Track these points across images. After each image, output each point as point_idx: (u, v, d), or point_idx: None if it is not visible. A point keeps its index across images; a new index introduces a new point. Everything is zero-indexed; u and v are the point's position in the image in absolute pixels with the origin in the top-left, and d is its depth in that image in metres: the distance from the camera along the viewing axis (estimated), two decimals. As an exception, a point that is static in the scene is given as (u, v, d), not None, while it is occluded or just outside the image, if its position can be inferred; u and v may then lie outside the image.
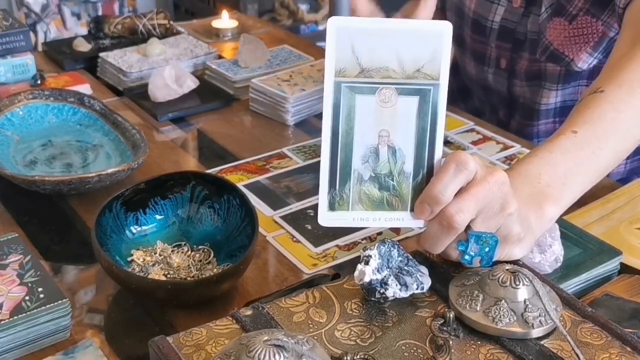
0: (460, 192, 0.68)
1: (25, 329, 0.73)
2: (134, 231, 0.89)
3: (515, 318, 0.65)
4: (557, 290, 0.71)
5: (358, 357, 0.63)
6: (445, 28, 0.68)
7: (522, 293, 0.66)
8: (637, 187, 1.00)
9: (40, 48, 1.83)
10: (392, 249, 0.70)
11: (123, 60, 1.42)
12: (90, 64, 1.47)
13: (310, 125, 1.26)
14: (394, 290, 0.68)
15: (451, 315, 0.66)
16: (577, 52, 1.16)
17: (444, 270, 0.73)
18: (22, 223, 0.97)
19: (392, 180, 0.70)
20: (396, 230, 0.95)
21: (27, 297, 0.75)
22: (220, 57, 1.49)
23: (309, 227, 0.96)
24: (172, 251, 0.88)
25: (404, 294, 0.68)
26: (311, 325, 0.67)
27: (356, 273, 0.68)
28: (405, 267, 0.70)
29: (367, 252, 0.69)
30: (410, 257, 0.72)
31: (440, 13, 1.38)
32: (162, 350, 0.63)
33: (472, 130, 1.23)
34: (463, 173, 0.68)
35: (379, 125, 0.69)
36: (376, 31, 0.67)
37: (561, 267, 0.81)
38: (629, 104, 0.85)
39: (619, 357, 0.63)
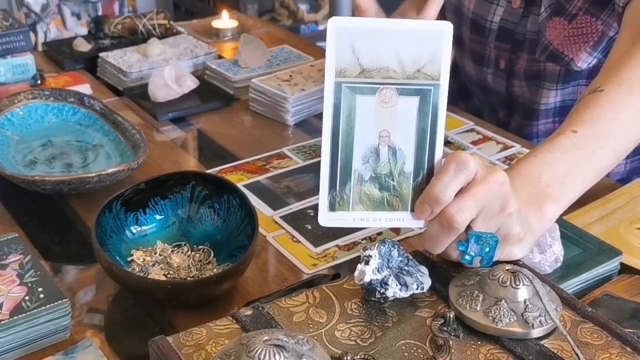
0: (460, 192, 0.68)
1: (25, 329, 0.73)
2: (134, 231, 0.89)
3: (515, 318, 0.65)
4: (557, 290, 0.71)
5: (358, 357, 0.63)
6: (446, 28, 0.68)
7: (522, 293, 0.66)
8: (637, 187, 1.00)
9: (40, 48, 1.83)
10: (392, 249, 0.70)
11: (123, 60, 1.42)
12: (90, 64, 1.47)
13: (310, 125, 1.26)
14: (394, 290, 0.68)
15: (451, 315, 0.66)
16: (576, 51, 1.16)
17: (444, 270, 0.73)
18: (22, 223, 0.97)
19: (393, 180, 0.70)
20: (396, 230, 0.95)
21: (27, 297, 0.75)
22: (220, 57, 1.49)
23: (309, 227, 0.96)
24: (172, 251, 0.88)
25: (404, 294, 0.68)
26: (311, 325, 0.67)
27: (356, 273, 0.68)
28: (405, 267, 0.70)
29: (367, 252, 0.69)
30: (410, 257, 0.72)
31: (440, 13, 1.39)
32: (162, 350, 0.63)
33: (472, 130, 1.23)
34: (463, 173, 0.68)
35: (379, 125, 0.69)
36: (376, 31, 0.67)
37: (561, 267, 0.81)
38: (628, 104, 0.85)
39: (619, 357, 0.63)
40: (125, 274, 0.80)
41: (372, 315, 0.68)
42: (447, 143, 1.18)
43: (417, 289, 0.69)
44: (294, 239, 0.94)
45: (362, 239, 0.94)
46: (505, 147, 1.17)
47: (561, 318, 0.67)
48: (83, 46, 1.51)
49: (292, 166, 1.11)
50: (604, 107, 0.84)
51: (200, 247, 0.89)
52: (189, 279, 0.84)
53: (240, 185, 1.00)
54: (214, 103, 1.32)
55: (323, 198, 0.70)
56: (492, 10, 1.25)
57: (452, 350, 0.63)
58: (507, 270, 0.67)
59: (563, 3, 1.14)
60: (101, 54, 1.44)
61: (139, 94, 1.34)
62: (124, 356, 0.76)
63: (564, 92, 1.23)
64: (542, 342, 0.65)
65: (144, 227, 0.90)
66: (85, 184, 0.98)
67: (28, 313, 0.74)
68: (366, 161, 0.69)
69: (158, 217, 0.91)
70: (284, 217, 0.98)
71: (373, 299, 0.69)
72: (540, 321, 0.65)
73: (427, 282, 0.70)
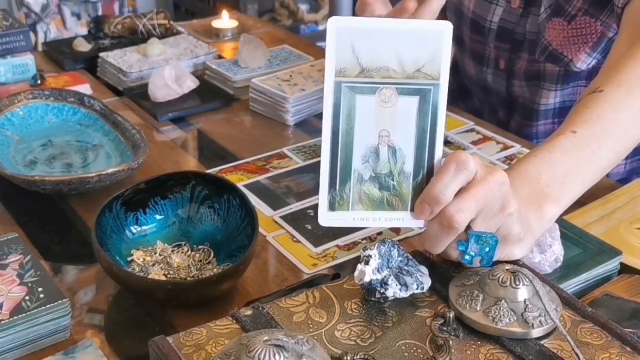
0: (460, 192, 0.68)
1: (25, 329, 0.73)
2: (134, 231, 0.89)
3: (515, 318, 0.65)
4: (557, 290, 0.71)
5: (358, 357, 0.63)
6: (446, 28, 0.68)
7: (522, 293, 0.66)
8: (637, 187, 1.00)
9: (40, 48, 1.83)
10: (392, 249, 0.70)
11: (123, 60, 1.42)
12: (90, 64, 1.47)
13: (310, 125, 1.26)
14: (394, 290, 0.68)
15: (451, 315, 0.66)
16: (575, 52, 1.16)
17: (444, 270, 0.73)
18: (22, 223, 0.97)
19: (392, 180, 0.70)
20: (396, 230, 0.95)
21: (27, 297, 0.75)
22: (220, 57, 1.49)
23: (309, 227, 0.96)
24: (172, 251, 0.88)
25: (404, 294, 0.68)
26: (311, 325, 0.67)
27: (356, 273, 0.68)
28: (405, 267, 0.70)
29: (367, 252, 0.69)
30: (410, 257, 0.72)
31: (440, 13, 1.38)
32: (162, 350, 0.63)
33: (472, 130, 1.23)
34: (463, 173, 0.68)
35: (379, 125, 0.69)
36: (376, 31, 0.68)
37: (561, 267, 0.81)
38: (627, 104, 0.85)
39: (619, 357, 0.63)
40: (125, 274, 0.80)
41: (372, 315, 0.68)
42: (447, 143, 1.18)
43: (417, 289, 0.69)
44: (294, 239, 0.94)
45: (362, 239, 0.94)
46: (505, 147, 1.17)
47: (561, 318, 0.67)
48: (83, 46, 1.51)
49: (292, 166, 1.11)
50: (603, 108, 0.84)
51: (200, 247, 0.89)
52: (189, 279, 0.84)
53: (240, 185, 1.00)
54: (214, 103, 1.32)
55: (323, 198, 0.70)
56: (491, 10, 1.25)
57: (452, 350, 0.63)
58: (507, 270, 0.68)
59: (562, 4, 1.14)
60: (101, 54, 1.44)
61: (139, 94, 1.34)
62: (124, 356, 0.76)
63: (563, 92, 1.23)
64: (542, 342, 0.65)
65: (144, 227, 0.90)
66: (85, 184, 0.98)
67: (28, 313, 0.74)
68: (366, 161, 0.69)
69: (158, 217, 0.91)
70: (284, 217, 0.98)
71: (373, 299, 0.69)
72: (540, 321, 0.65)
73: (427, 282, 0.70)
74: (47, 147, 1.12)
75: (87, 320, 0.81)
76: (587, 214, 0.93)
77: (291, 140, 1.20)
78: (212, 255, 0.88)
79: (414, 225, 0.73)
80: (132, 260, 0.87)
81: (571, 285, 0.80)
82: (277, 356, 0.55)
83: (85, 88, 1.32)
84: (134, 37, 1.54)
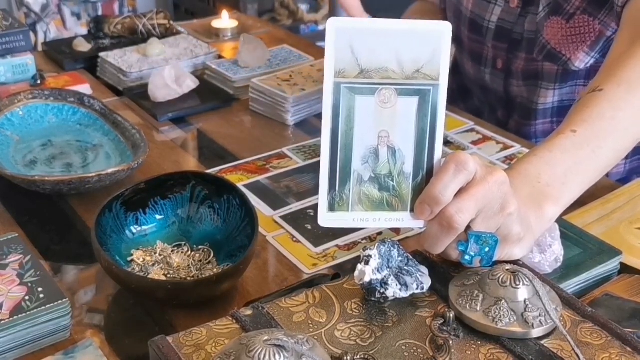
0: (460, 193, 0.68)
1: (25, 329, 0.73)
2: (134, 231, 0.89)
3: (515, 318, 0.65)
4: (557, 290, 0.71)
5: (358, 357, 0.63)
6: (445, 28, 0.68)
7: (522, 293, 0.66)
8: (637, 187, 1.00)
9: (40, 48, 1.83)
10: (392, 249, 0.70)
11: (123, 60, 1.42)
12: (90, 64, 1.47)
13: (310, 125, 1.26)
14: (394, 290, 0.68)
15: (451, 315, 0.66)
16: (574, 51, 1.16)
17: (444, 270, 0.73)
18: (22, 223, 0.97)
19: (392, 180, 0.70)
20: (396, 230, 0.95)
21: (27, 297, 0.75)
22: (220, 57, 1.49)
23: (309, 227, 0.96)
24: (172, 251, 0.88)
25: (404, 294, 0.68)
26: (311, 325, 0.67)
27: (356, 273, 0.69)
28: (405, 267, 0.70)
29: (367, 252, 0.69)
30: (410, 257, 0.72)
31: (442, 13, 1.39)
32: (162, 350, 0.63)
33: (472, 130, 1.23)
34: (463, 173, 0.68)
35: (378, 125, 0.69)
36: (375, 32, 0.67)
37: (561, 267, 0.81)
38: (627, 103, 0.85)
39: (619, 357, 0.63)
40: (125, 274, 0.80)
41: (372, 315, 0.68)
42: (447, 143, 1.18)
43: (417, 289, 0.69)
44: (294, 239, 0.94)
45: (362, 239, 0.94)
46: (505, 147, 1.17)
47: (561, 318, 0.67)
48: (83, 46, 1.51)
49: (292, 166, 1.11)
50: (603, 107, 0.84)
51: (200, 247, 0.89)
52: (189, 279, 0.84)
53: (240, 185, 1.00)
54: (214, 103, 1.32)
55: (322, 198, 0.70)
56: (489, 10, 1.25)
57: (452, 350, 0.63)
58: (507, 270, 0.68)
59: (561, 2, 1.14)
60: (101, 54, 1.44)
61: (139, 94, 1.34)
62: (124, 356, 0.76)
63: (561, 92, 1.23)
64: (542, 342, 0.65)
65: (144, 227, 0.90)
66: (85, 184, 0.98)
67: (28, 313, 0.74)
68: (365, 161, 0.69)
69: (158, 217, 0.91)
70: (284, 217, 0.98)
71: (373, 299, 0.69)
72: (540, 321, 0.65)
73: (427, 282, 0.70)
74: (47, 147, 1.12)
75: (87, 320, 0.81)
76: (587, 214, 0.93)
77: (291, 140, 1.20)
78: (212, 255, 0.88)
79: (414, 226, 0.73)
80: (132, 260, 0.87)
81: (571, 285, 0.80)
82: (277, 356, 0.55)
83: (85, 88, 1.32)
84: (134, 37, 1.54)
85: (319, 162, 0.70)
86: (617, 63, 0.89)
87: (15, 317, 0.73)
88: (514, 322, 0.65)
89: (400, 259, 0.70)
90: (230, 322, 0.67)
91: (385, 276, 0.68)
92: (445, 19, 1.34)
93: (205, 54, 1.46)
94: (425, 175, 0.71)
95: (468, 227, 0.69)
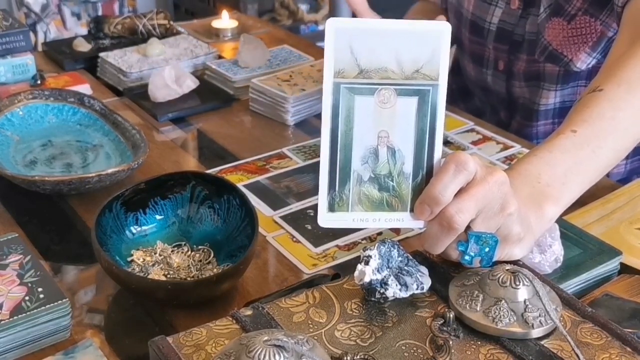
0: (460, 193, 0.68)
1: (25, 329, 0.73)
2: (134, 231, 0.89)
3: (515, 318, 0.65)
4: (557, 290, 0.71)
5: (358, 357, 0.63)
6: (444, 28, 0.68)
7: (522, 293, 0.66)
8: (637, 187, 1.00)
9: (40, 48, 1.83)
10: (392, 249, 0.70)
11: (123, 60, 1.42)
12: (90, 64, 1.47)
13: (310, 125, 1.26)
14: (394, 290, 0.68)
15: (451, 315, 0.66)
16: (575, 52, 1.16)
17: (444, 270, 0.73)
18: (22, 223, 0.97)
19: (392, 181, 0.70)
20: (396, 230, 0.95)
21: (27, 297, 0.76)
22: (220, 57, 1.49)
23: (309, 227, 0.96)
24: (172, 251, 0.89)
25: (404, 294, 0.68)
26: (311, 325, 0.67)
27: (356, 273, 0.68)
28: (405, 267, 0.70)
29: (367, 252, 0.69)
30: (410, 257, 0.72)
31: (443, 13, 1.38)
32: (162, 350, 0.63)
33: (472, 130, 1.23)
34: (463, 173, 0.68)
35: (378, 126, 0.69)
36: (375, 32, 0.67)
37: (561, 267, 0.81)
38: (628, 103, 0.85)
39: (619, 357, 0.63)
40: (125, 274, 0.80)
41: (372, 316, 0.68)
42: (447, 143, 1.18)
43: (417, 289, 0.69)
44: (294, 239, 0.94)
45: (362, 239, 0.94)
46: (505, 147, 1.17)
47: (561, 318, 0.67)
48: (83, 46, 1.51)
49: (292, 166, 1.11)
50: (603, 107, 0.84)
51: (200, 247, 0.89)
52: (189, 279, 0.84)
53: (240, 185, 1.00)
54: (214, 103, 1.32)
55: (322, 199, 0.70)
56: (490, 12, 1.25)
57: (452, 351, 0.63)
58: (507, 270, 0.67)
59: (562, 3, 1.14)
60: (101, 54, 1.44)
61: (139, 94, 1.34)
62: (124, 356, 0.76)
63: (563, 92, 1.23)
64: (542, 342, 0.65)
65: (144, 227, 0.90)
66: (85, 184, 0.98)
67: (28, 313, 0.74)
68: (365, 162, 0.69)
69: (158, 217, 0.91)
70: (284, 217, 0.98)
71: (373, 299, 0.69)
72: (540, 321, 0.65)
73: (427, 282, 0.70)
74: (47, 147, 1.12)
75: (87, 320, 0.81)
76: (587, 214, 0.93)
77: (291, 140, 1.20)
78: (212, 255, 0.88)
79: (414, 226, 0.73)
80: (132, 260, 0.87)
81: (571, 286, 0.80)
82: (277, 356, 0.55)
83: (85, 88, 1.32)
84: (134, 37, 1.54)
85: (318, 162, 0.70)
86: (617, 63, 0.89)
87: (15, 317, 0.73)
88: (514, 323, 0.65)
89: (400, 259, 0.70)
90: (230, 322, 0.67)
91: (385, 276, 0.68)
92: (447, 19, 1.34)
93: (205, 54, 1.46)
94: (425, 176, 0.71)
95: (468, 227, 0.69)
